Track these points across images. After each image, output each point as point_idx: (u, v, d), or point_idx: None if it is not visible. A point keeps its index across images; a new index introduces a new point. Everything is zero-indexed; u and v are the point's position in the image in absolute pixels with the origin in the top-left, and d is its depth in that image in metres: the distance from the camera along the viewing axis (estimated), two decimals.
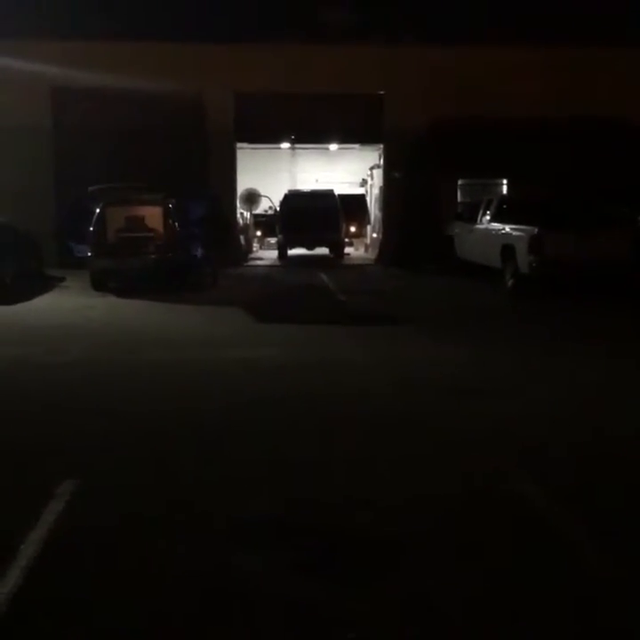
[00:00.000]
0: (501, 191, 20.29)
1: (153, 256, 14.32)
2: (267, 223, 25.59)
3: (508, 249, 13.85)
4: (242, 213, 23.62)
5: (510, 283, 13.80)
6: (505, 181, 20.59)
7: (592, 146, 18.96)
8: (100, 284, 14.37)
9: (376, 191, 23.92)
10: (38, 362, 8.22)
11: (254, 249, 25.21)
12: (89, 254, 14.34)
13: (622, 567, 3.63)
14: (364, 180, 26.61)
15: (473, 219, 16.12)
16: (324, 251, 22.66)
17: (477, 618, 3.23)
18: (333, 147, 24.27)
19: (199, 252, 15.27)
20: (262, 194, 24.96)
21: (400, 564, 3.68)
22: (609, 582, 3.52)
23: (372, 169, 24.46)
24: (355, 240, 26.15)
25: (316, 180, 27.19)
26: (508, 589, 3.45)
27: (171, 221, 14.55)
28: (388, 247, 20.63)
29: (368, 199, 25.80)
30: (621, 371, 7.79)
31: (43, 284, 14.89)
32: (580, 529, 4.03)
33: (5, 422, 6.06)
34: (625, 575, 3.56)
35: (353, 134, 21.32)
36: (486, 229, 15.29)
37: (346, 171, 26.98)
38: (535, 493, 4.50)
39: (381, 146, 21.32)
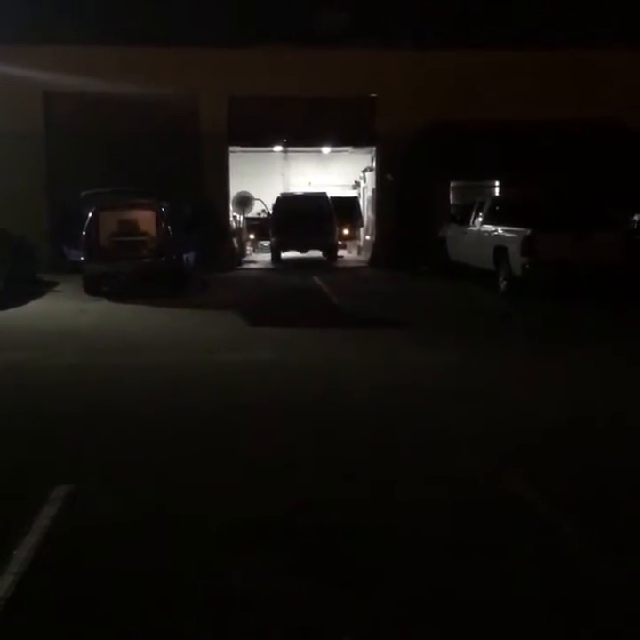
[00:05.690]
0: (494, 193, 20.34)
1: (146, 260, 14.32)
2: (260, 226, 25.57)
3: (500, 251, 13.87)
4: (235, 217, 23.62)
5: (503, 285, 13.81)
6: (497, 183, 20.66)
7: (587, 148, 19.00)
8: (93, 288, 14.34)
9: (369, 193, 23.95)
10: (32, 366, 8.20)
11: (247, 252, 25.20)
12: (82, 258, 14.32)
13: (617, 567, 3.66)
14: (356, 182, 26.64)
15: (465, 221, 16.14)
16: (317, 253, 22.68)
17: (475, 619, 3.25)
18: (326, 149, 24.28)
19: (190, 256, 15.27)
20: (255, 197, 24.95)
21: (397, 564, 3.70)
22: (602, 585, 3.54)
23: (364, 171, 24.49)
24: (348, 242, 26.16)
25: (309, 183, 27.20)
26: (504, 590, 3.47)
27: (163, 225, 14.55)
28: (381, 249, 20.65)
29: (361, 201, 25.83)
30: (615, 372, 7.81)
31: (36, 289, 14.85)
32: (572, 525, 4.06)
33: None
34: (620, 576, 3.59)
35: (346, 137, 21.33)
36: (479, 231, 15.31)
37: (338, 173, 27.00)
38: (527, 493, 4.52)
39: (374, 148, 21.37)
